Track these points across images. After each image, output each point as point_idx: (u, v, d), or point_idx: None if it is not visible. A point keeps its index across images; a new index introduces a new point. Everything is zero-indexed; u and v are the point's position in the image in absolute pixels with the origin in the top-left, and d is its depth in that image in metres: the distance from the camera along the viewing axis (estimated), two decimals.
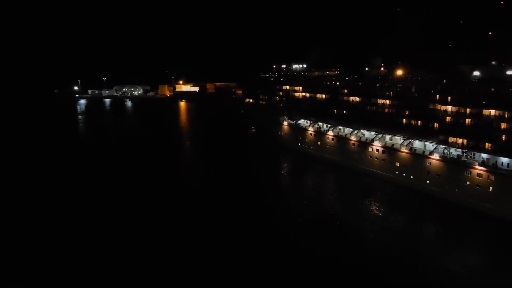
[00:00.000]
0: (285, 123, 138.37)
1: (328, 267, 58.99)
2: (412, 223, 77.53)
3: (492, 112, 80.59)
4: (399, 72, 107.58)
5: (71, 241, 67.99)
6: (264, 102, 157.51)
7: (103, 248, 65.29)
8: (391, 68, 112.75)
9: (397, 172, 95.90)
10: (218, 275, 57.24)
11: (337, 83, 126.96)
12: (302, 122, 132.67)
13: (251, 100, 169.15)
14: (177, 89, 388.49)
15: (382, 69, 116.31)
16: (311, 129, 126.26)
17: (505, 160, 76.52)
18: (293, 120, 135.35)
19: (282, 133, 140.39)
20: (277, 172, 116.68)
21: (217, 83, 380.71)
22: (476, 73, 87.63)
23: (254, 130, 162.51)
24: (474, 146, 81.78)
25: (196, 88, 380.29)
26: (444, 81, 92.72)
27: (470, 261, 62.38)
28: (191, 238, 68.79)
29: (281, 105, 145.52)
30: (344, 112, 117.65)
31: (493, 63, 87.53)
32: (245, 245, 65.65)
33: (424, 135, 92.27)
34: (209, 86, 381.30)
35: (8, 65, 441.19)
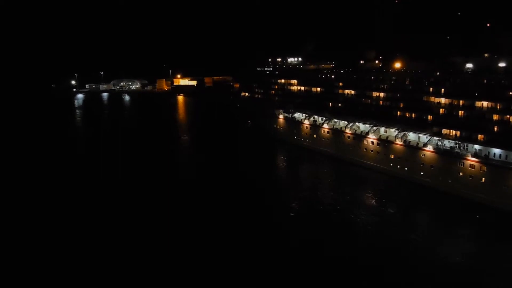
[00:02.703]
0: (281, 116, 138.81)
1: (324, 255, 60.14)
2: (406, 213, 78.63)
3: (485, 103, 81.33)
4: (397, 65, 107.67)
5: (68, 239, 68.42)
6: (259, 96, 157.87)
7: (101, 245, 65.82)
8: (387, 61, 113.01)
9: (391, 164, 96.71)
10: (214, 264, 58.19)
11: (332, 76, 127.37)
12: (297, 115, 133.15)
13: (246, 94, 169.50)
14: (175, 83, 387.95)
15: (376, 62, 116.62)
16: (306, 122, 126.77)
17: (497, 151, 77.37)
18: (288, 113, 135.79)
19: (278, 127, 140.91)
20: (273, 164, 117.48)
21: (215, 77, 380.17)
22: (469, 65, 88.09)
23: (250, 124, 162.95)
24: (467, 137, 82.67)
25: (194, 82, 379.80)
26: (437, 73, 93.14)
27: (463, 248, 63.66)
28: (188, 231, 69.59)
29: (277, 98, 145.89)
30: (339, 105, 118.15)
31: (486, 55, 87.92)
32: (241, 235, 66.56)
33: (418, 127, 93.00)
34: (207, 80, 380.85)
35: (5, 60, 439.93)
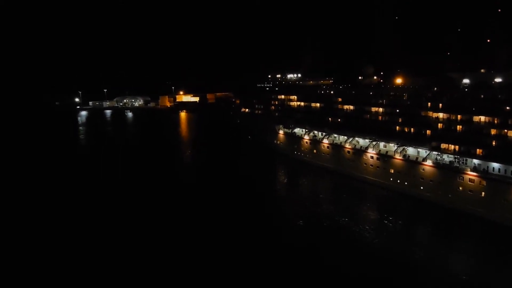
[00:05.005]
0: (281, 131, 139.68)
1: (324, 268, 59.94)
2: (408, 227, 78.18)
3: (482, 118, 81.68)
4: (396, 81, 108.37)
5: (71, 240, 70.07)
6: (259, 112, 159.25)
7: (103, 247, 67.34)
8: (386, 77, 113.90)
9: (391, 179, 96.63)
10: (217, 277, 58.12)
11: (331, 92, 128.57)
12: (297, 130, 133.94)
13: (247, 110, 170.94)
14: (177, 100, 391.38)
15: (375, 77, 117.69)
16: (306, 137, 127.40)
17: (496, 165, 77.26)
18: (288, 128, 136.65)
19: (278, 142, 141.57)
20: (274, 179, 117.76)
21: (218, 93, 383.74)
22: (466, 80, 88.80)
23: (250, 139, 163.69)
24: (466, 152, 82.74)
25: (196, 99, 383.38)
26: (435, 88, 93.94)
27: (465, 263, 63.42)
28: (191, 243, 69.52)
29: (277, 114, 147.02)
30: (339, 120, 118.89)
31: (482, 70, 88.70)
32: (243, 248, 66.54)
33: (417, 142, 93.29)
34: (210, 96, 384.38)
35: (9, 77, 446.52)
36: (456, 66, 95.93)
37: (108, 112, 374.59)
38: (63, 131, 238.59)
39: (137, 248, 68.64)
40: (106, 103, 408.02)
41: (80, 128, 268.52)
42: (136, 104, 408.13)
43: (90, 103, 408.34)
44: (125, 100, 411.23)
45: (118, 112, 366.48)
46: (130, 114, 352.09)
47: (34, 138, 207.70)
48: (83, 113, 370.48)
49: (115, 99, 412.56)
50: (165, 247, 67.87)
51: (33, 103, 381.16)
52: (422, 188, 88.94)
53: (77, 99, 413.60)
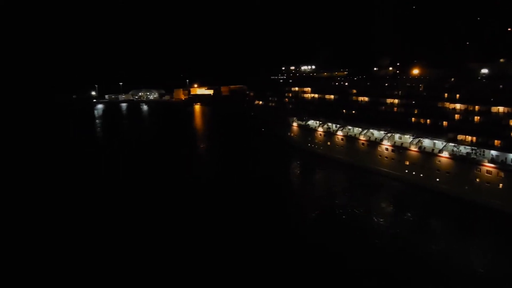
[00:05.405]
0: (295, 124, 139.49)
1: (338, 262, 59.95)
2: (424, 220, 77.19)
3: (501, 109, 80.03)
4: (414, 72, 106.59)
5: (73, 241, 70.21)
6: (273, 104, 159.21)
7: (107, 244, 67.82)
8: (402, 68, 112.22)
9: (406, 171, 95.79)
10: (228, 270, 58.79)
11: (346, 84, 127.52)
12: (311, 122, 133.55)
13: (260, 102, 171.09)
14: (191, 93, 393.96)
15: (390, 68, 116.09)
16: (320, 129, 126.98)
17: None
18: (302, 121, 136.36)
19: (292, 134, 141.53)
20: (288, 171, 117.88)
21: (231, 86, 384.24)
22: (484, 70, 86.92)
23: (264, 131, 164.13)
24: (483, 143, 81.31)
25: (210, 91, 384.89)
26: (453, 79, 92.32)
27: (479, 256, 62.46)
28: (203, 235, 70.47)
29: (290, 106, 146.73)
30: (353, 112, 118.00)
31: (501, 60, 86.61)
32: (255, 240, 67.05)
33: (433, 133, 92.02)
34: (224, 89, 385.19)
35: (28, 72, 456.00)
36: (475, 56, 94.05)
37: (123, 105, 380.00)
38: (81, 124, 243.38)
39: (151, 241, 69.88)
40: (122, 97, 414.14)
41: (97, 121, 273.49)
42: (151, 97, 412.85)
43: (106, 96, 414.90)
44: (140, 93, 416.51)
45: (134, 105, 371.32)
46: (145, 107, 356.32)
47: (52, 132, 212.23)
48: (100, 106, 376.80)
49: (130, 92, 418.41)
50: (174, 241, 68.46)
51: (47, 103, 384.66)
52: (438, 180, 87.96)
53: (93, 93, 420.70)
